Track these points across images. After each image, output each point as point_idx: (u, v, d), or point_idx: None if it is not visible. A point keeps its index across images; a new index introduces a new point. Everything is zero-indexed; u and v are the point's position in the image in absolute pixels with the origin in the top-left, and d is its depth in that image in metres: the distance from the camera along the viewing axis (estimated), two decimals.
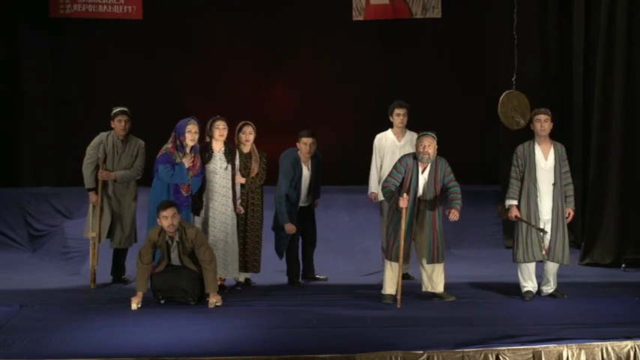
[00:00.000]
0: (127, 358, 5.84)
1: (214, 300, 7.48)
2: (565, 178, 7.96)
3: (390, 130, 8.83)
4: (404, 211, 7.63)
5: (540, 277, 8.02)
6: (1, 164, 11.45)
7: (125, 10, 11.60)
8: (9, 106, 11.60)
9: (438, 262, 7.80)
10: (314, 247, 8.83)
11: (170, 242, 7.58)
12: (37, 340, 6.31)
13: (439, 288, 7.86)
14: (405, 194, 7.62)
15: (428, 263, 7.82)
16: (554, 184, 7.89)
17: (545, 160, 7.92)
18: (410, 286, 8.11)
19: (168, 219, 7.46)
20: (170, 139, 8.10)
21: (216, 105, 10.68)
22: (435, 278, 7.86)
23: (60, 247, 10.26)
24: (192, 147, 8.06)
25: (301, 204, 8.58)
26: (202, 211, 8.21)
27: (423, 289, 7.92)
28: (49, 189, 11.25)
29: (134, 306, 7.42)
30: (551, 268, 7.96)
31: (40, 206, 10.79)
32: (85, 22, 11.60)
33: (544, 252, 7.84)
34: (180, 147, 8.04)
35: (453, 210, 7.70)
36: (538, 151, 7.93)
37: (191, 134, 8.01)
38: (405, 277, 8.56)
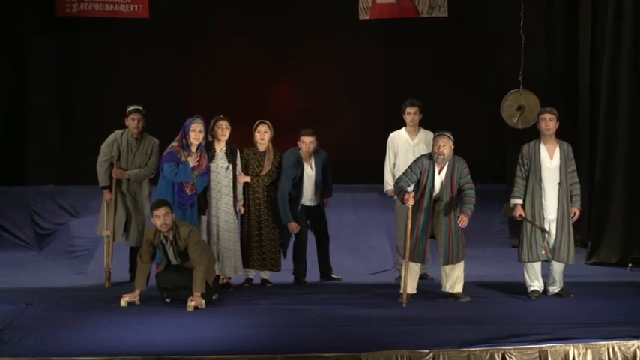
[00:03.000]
0: (132, 357, 5.84)
1: (194, 303, 7.34)
2: (571, 178, 7.92)
3: (403, 128, 8.81)
4: (410, 209, 7.61)
5: (546, 277, 8.00)
6: (7, 163, 11.47)
7: (131, 9, 11.61)
8: (15, 105, 11.63)
9: (452, 262, 7.74)
10: (327, 245, 8.81)
11: (165, 241, 7.56)
12: (42, 339, 6.31)
13: (457, 288, 7.81)
14: (411, 192, 7.60)
15: (443, 264, 7.79)
16: (559, 184, 7.86)
17: (550, 159, 7.89)
18: (427, 285, 8.06)
19: (160, 218, 7.42)
20: (177, 138, 8.11)
21: (221, 104, 10.69)
22: (453, 278, 7.80)
23: (66, 245, 10.28)
24: (198, 146, 8.06)
25: (308, 203, 8.58)
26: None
27: (442, 289, 7.88)
28: (55, 187, 11.26)
29: (123, 302, 7.44)
30: (557, 267, 7.94)
31: (46, 205, 10.81)
32: (91, 21, 11.62)
33: (544, 251, 7.82)
34: (186, 146, 8.04)
35: (462, 216, 7.65)
36: (543, 150, 7.90)
37: (195, 133, 8.01)
38: (422, 277, 8.55)
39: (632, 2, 9.59)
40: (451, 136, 7.71)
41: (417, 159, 7.85)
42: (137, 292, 7.56)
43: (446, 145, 7.66)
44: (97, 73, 11.71)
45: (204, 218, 8.23)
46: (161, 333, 6.56)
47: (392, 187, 8.75)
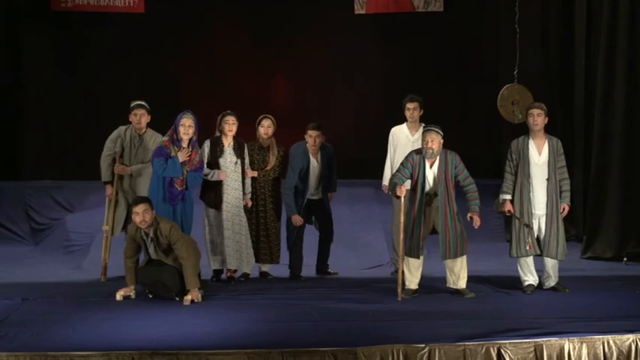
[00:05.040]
0: (128, 351, 5.83)
1: (190, 297, 7.35)
2: (561, 173, 7.88)
3: (405, 123, 8.81)
4: (402, 202, 7.61)
5: (541, 272, 8.00)
6: (3, 157, 11.46)
7: (126, 4, 11.61)
8: (11, 100, 11.62)
9: (450, 257, 7.69)
10: (329, 240, 8.83)
11: (145, 238, 7.53)
12: (38, 333, 6.31)
13: (460, 284, 7.76)
14: (402, 184, 7.61)
15: (441, 259, 7.75)
16: (547, 179, 7.83)
17: (538, 154, 7.86)
18: (429, 280, 8.02)
19: (139, 215, 7.38)
20: (168, 132, 8.10)
21: (218, 99, 10.70)
22: (455, 273, 7.74)
23: (62, 240, 10.28)
24: (189, 141, 8.04)
25: (312, 196, 8.61)
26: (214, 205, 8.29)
27: (447, 285, 7.84)
28: (51, 182, 11.26)
29: (118, 297, 7.48)
30: (550, 262, 7.91)
31: (42, 200, 10.80)
32: (87, 16, 11.61)
33: (528, 247, 7.81)
34: (176, 140, 8.01)
35: (474, 216, 7.65)
36: (532, 145, 7.87)
37: (184, 128, 7.98)
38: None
39: None
40: (440, 131, 7.68)
41: (408, 155, 7.84)
42: (131, 287, 7.58)
43: (434, 140, 7.64)
44: (94, 68, 11.70)
45: (214, 212, 8.27)
46: (157, 328, 6.56)
47: (387, 184, 8.77)
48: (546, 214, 7.83)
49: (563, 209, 7.90)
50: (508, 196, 7.91)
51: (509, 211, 7.90)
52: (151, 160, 8.14)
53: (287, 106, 11.71)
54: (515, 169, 7.89)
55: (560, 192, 7.89)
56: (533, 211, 7.84)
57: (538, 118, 7.84)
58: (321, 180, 8.62)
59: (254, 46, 11.91)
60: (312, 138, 8.52)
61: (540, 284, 7.99)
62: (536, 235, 7.86)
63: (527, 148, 7.86)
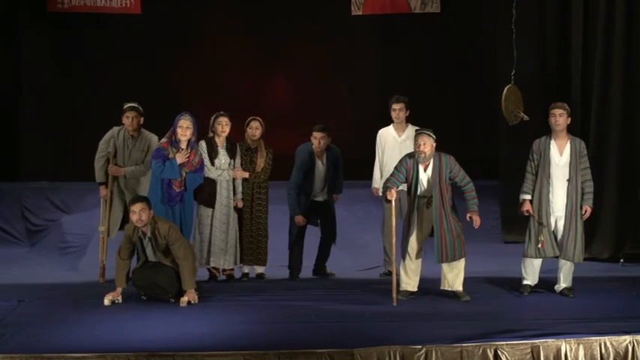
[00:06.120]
0: (124, 353, 5.82)
1: (187, 299, 7.34)
2: (584, 175, 7.78)
3: (392, 124, 8.81)
4: (393, 203, 7.59)
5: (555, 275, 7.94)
6: None
7: (123, 5, 11.60)
8: (7, 101, 11.59)
9: (446, 260, 7.64)
10: (332, 241, 8.81)
11: (143, 237, 7.50)
12: (35, 335, 6.30)
13: (456, 286, 7.71)
14: (394, 187, 7.60)
15: (436, 262, 7.71)
16: (568, 180, 7.76)
17: (560, 155, 7.79)
18: (426, 282, 8.00)
19: (136, 214, 7.35)
20: (167, 134, 8.09)
21: (216, 99, 10.68)
22: (452, 276, 7.69)
23: (58, 241, 10.27)
24: (188, 142, 8.02)
25: (316, 198, 8.60)
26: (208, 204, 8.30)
27: (441, 287, 7.77)
28: (47, 184, 11.24)
29: (106, 302, 7.39)
30: (562, 264, 7.85)
31: (38, 201, 10.79)
32: (84, 17, 11.59)
33: (540, 245, 7.77)
34: (175, 142, 8.00)
35: (474, 216, 7.63)
36: (553, 146, 7.80)
37: (182, 129, 7.97)
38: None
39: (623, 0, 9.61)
40: (432, 134, 7.63)
41: (402, 159, 7.80)
42: (119, 290, 7.50)
43: (426, 144, 7.58)
44: (89, 69, 11.68)
45: (208, 212, 8.27)
46: (154, 329, 6.55)
47: (377, 186, 8.76)
48: (565, 216, 7.76)
49: (585, 211, 7.81)
50: (528, 196, 7.84)
51: (527, 211, 7.83)
52: (149, 161, 8.13)
53: (285, 107, 11.71)
54: (536, 169, 7.82)
55: (583, 194, 7.78)
56: (551, 212, 7.77)
57: (560, 118, 7.77)
58: (326, 181, 8.62)
59: (252, 46, 11.90)
60: (316, 140, 8.51)
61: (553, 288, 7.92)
62: (552, 236, 7.80)
63: (549, 149, 7.79)
